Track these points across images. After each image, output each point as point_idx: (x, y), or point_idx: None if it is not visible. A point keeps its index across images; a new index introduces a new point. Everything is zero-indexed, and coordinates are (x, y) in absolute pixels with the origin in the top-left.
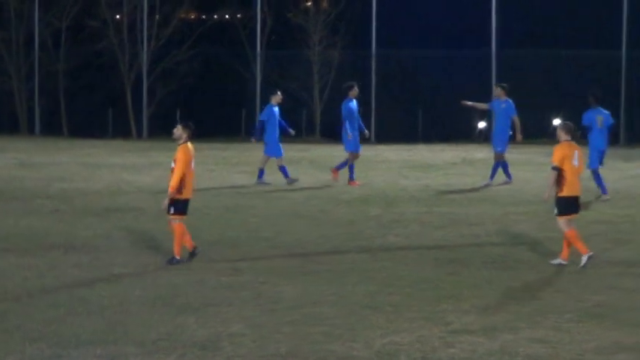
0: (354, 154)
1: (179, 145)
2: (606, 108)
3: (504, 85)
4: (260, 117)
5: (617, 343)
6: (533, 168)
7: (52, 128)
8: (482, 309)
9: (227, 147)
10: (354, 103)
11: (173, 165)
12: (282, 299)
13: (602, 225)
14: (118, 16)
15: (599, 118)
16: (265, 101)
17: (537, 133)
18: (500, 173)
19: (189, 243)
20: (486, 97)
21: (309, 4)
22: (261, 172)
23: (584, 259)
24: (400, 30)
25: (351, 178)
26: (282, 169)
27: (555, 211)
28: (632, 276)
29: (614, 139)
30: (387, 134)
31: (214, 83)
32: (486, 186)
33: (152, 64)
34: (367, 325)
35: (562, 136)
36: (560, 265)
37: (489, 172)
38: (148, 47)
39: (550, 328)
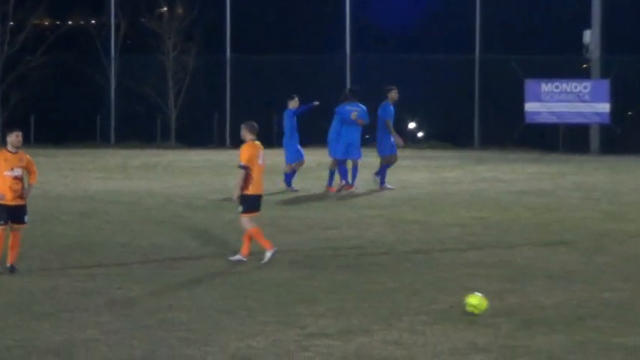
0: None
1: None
2: (461, 111)
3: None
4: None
5: (471, 344)
6: (391, 170)
7: None
8: (337, 312)
9: (82, 153)
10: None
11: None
12: (138, 304)
13: (457, 227)
14: None
15: (354, 112)
16: (119, 107)
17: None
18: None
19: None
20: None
21: (164, 9)
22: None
23: (267, 254)
24: (254, 35)
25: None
26: (287, 176)
27: (240, 208)
28: (486, 277)
29: (468, 141)
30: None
31: (69, 89)
32: (384, 189)
33: (6, 71)
34: (222, 330)
35: (247, 135)
36: (240, 261)
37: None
38: (0, 53)
39: (405, 330)
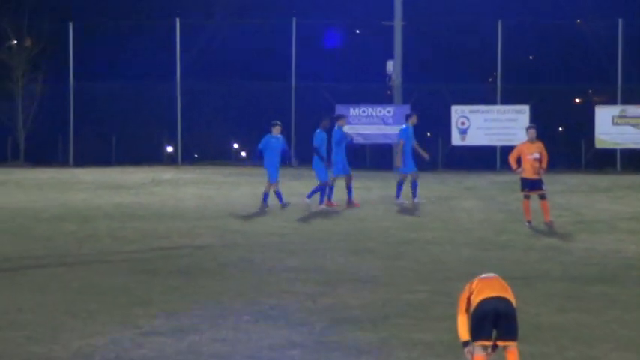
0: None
1: None
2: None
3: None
4: (314, 143)
5: (289, 341)
6: (216, 186)
7: None
8: (170, 313)
9: None
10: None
11: None
12: None
13: (276, 236)
14: None
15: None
16: None
17: (222, 155)
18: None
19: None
20: (172, 123)
21: (14, 42)
22: (329, 190)
23: None
24: (95, 65)
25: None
26: (278, 194)
27: None
28: (302, 281)
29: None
30: (85, 159)
31: None
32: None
33: None
34: (66, 329)
35: None
36: None
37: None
38: None
39: (230, 328)
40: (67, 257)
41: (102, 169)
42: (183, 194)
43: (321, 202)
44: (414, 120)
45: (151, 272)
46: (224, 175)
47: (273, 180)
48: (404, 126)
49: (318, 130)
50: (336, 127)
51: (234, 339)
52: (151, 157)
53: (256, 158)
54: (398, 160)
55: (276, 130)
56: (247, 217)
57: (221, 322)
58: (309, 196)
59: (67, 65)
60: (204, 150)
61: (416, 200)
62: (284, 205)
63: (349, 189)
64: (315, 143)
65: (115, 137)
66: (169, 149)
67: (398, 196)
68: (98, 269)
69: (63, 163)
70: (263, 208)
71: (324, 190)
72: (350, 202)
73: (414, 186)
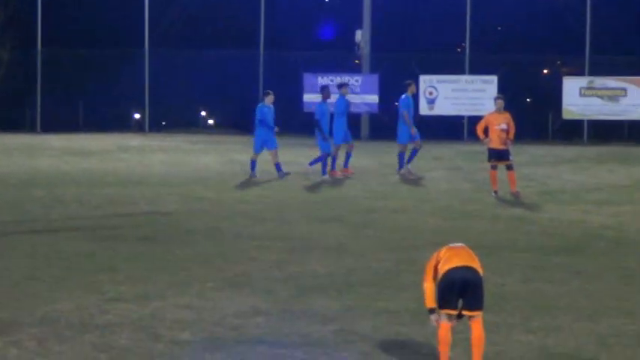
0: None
1: None
2: (247, 103)
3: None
4: (316, 116)
5: (254, 308)
6: (183, 153)
7: None
8: (135, 279)
9: None
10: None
11: None
12: None
13: (243, 204)
14: None
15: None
16: None
17: (190, 123)
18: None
19: None
20: (140, 91)
21: None
22: (332, 160)
23: None
24: (63, 32)
25: (401, 166)
26: (253, 163)
27: None
28: (268, 249)
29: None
30: (53, 125)
31: None
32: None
33: None
34: (31, 295)
35: None
36: None
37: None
38: None
39: (195, 295)
40: (34, 223)
41: (69, 135)
42: (151, 161)
43: (323, 172)
44: (412, 89)
45: (116, 238)
46: (191, 142)
47: (274, 146)
48: (403, 96)
49: (319, 103)
50: (338, 96)
51: (199, 306)
52: (119, 124)
53: (272, 129)
54: (413, 130)
55: (269, 100)
56: (215, 185)
57: (186, 288)
58: (312, 164)
59: (35, 31)
60: (172, 117)
61: (401, 171)
62: (253, 176)
63: (348, 156)
64: (317, 116)
65: (82, 104)
66: (137, 116)
67: (401, 166)
68: (65, 235)
69: (31, 128)
70: (283, 176)
71: (325, 160)
72: (345, 168)
73: (401, 156)
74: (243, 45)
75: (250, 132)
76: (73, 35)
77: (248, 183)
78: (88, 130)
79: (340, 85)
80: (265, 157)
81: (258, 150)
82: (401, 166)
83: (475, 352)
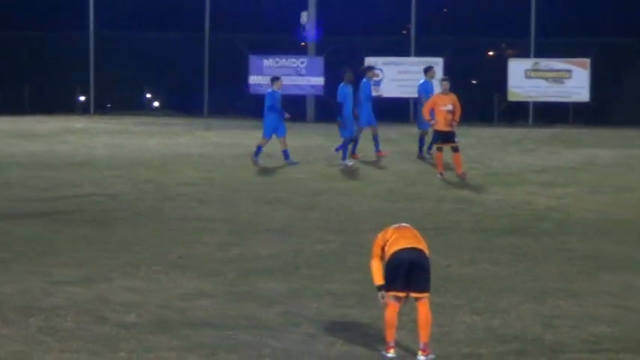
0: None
1: None
2: (193, 83)
3: None
4: (338, 99)
5: (199, 290)
6: (128, 136)
7: None
8: (80, 262)
9: None
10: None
11: None
12: None
13: (187, 186)
14: None
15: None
16: None
17: (132, 105)
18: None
19: None
20: (85, 73)
21: None
22: (354, 146)
23: None
24: (8, 14)
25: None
26: (285, 152)
27: None
28: (211, 231)
29: (198, 110)
30: None
31: None
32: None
33: None
34: None
35: None
36: None
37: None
38: None
39: (141, 278)
40: None
41: (14, 118)
42: (96, 143)
43: (344, 158)
44: (432, 73)
45: (62, 221)
46: (136, 124)
47: (283, 133)
48: (422, 80)
49: (341, 85)
50: (364, 80)
51: (145, 288)
52: (64, 106)
53: (282, 115)
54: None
55: (278, 85)
56: (158, 167)
57: (132, 271)
58: (338, 150)
59: None
60: (117, 100)
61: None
62: (256, 161)
63: (375, 139)
64: (340, 99)
65: (27, 86)
66: (82, 98)
67: (421, 152)
68: (10, 218)
69: None
70: (292, 164)
71: (346, 147)
72: (377, 151)
73: (421, 140)
74: (188, 27)
75: (196, 114)
76: (17, 18)
77: (192, 165)
78: (33, 112)
79: (365, 69)
80: (215, 140)
81: (268, 135)
82: (421, 151)
83: (422, 334)
